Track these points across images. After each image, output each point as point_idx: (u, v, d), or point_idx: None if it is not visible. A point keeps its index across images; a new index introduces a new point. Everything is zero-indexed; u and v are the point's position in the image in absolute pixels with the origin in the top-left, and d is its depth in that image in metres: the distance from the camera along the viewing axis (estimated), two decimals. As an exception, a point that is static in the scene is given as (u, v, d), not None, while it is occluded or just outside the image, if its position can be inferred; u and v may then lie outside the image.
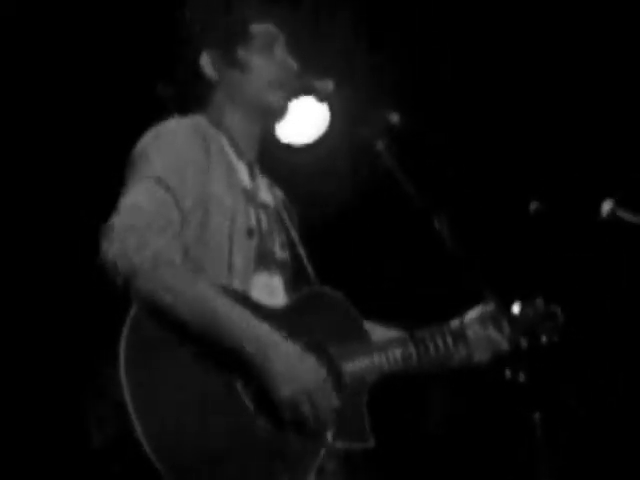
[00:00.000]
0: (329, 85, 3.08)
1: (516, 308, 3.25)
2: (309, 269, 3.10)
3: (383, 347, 2.98)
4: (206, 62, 3.00)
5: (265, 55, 3.02)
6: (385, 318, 3.15)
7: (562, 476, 3.18)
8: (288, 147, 5.14)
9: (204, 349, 2.60)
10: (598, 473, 5.27)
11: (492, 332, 3.18)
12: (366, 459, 2.94)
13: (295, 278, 3.06)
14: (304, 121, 5.05)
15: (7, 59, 4.63)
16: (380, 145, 3.06)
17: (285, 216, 3.13)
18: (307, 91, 3.13)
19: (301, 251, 3.12)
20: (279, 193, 3.21)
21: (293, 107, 4.66)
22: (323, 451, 2.72)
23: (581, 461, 5.17)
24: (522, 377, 3.10)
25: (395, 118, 3.05)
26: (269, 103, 3.01)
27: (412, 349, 3.03)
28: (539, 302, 3.29)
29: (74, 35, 4.65)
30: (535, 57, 5.07)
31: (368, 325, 3.07)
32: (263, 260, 2.92)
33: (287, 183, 4.25)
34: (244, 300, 2.73)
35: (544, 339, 3.24)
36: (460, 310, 3.21)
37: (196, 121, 2.95)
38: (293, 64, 3.04)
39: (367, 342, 2.98)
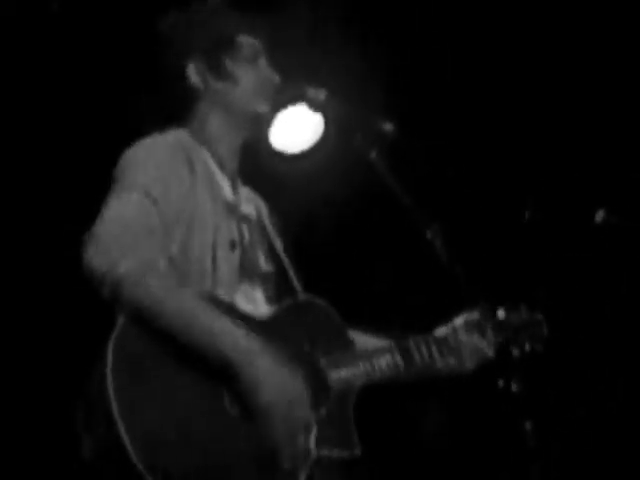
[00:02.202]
0: (321, 94, 3.10)
1: (500, 314, 3.26)
2: (294, 281, 3.10)
3: (369, 356, 2.97)
4: (192, 72, 3.02)
5: (251, 66, 3.04)
6: (373, 326, 3.15)
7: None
8: (282, 156, 5.15)
9: (190, 358, 2.60)
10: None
11: (477, 339, 3.19)
12: (358, 470, 2.93)
13: (279, 290, 3.06)
14: (298, 130, 5.06)
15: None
16: (373, 154, 3.07)
17: (268, 227, 3.14)
18: (300, 100, 3.15)
19: (286, 262, 3.12)
20: (261, 203, 3.21)
21: (286, 116, 4.67)
22: (310, 461, 2.70)
23: (573, 470, 5.18)
24: (515, 387, 3.11)
25: (389, 127, 3.06)
26: (256, 113, 3.04)
27: (398, 358, 3.03)
28: (523, 308, 3.31)
29: (58, 46, 4.65)
30: (529, 63, 5.08)
31: (353, 333, 3.07)
32: (246, 272, 2.93)
33: (279, 192, 4.26)
34: (230, 310, 2.74)
35: (527, 347, 3.24)
36: (447, 317, 3.22)
37: (178, 136, 2.97)
38: (276, 77, 3.06)
39: (353, 351, 2.97)
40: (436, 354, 3.12)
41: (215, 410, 2.62)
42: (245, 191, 3.14)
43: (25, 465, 4.94)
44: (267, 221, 3.16)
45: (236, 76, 3.01)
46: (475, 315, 3.20)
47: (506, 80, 5.11)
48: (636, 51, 4.99)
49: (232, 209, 2.98)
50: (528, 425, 3.11)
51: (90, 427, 2.56)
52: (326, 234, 5.38)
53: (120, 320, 2.60)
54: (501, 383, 3.13)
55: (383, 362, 2.99)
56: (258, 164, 4.85)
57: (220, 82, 3.02)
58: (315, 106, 3.15)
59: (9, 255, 4.93)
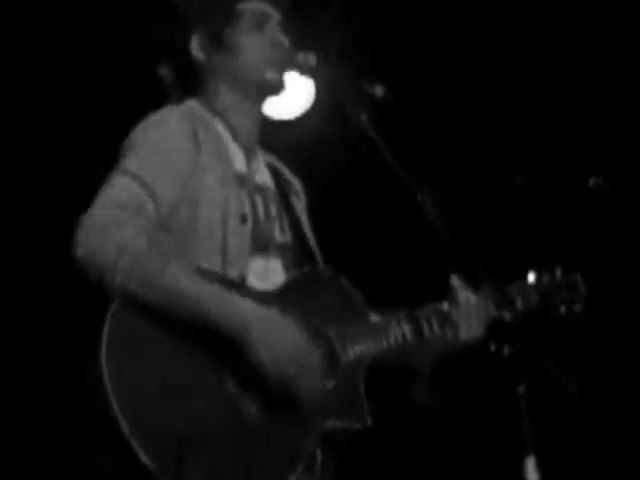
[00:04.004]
0: (312, 58, 3.08)
1: (531, 277, 3.21)
2: (315, 251, 3.09)
3: (380, 328, 2.95)
4: (195, 45, 3.01)
5: (255, 33, 3.01)
6: (368, 297, 3.13)
7: (547, 448, 3.19)
8: (273, 122, 5.13)
9: (186, 334, 2.61)
10: (584, 444, 5.29)
11: (480, 302, 3.09)
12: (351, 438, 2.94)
13: (299, 261, 3.04)
14: (289, 96, 5.03)
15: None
16: (364, 118, 3.06)
17: (291, 197, 3.13)
18: (291, 66, 3.13)
19: (307, 233, 3.11)
20: (288, 174, 3.20)
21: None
22: (313, 440, 2.72)
23: (566, 432, 5.20)
24: (507, 350, 3.11)
25: (379, 90, 3.04)
26: (265, 80, 3.02)
27: (407, 329, 2.98)
28: (557, 271, 3.25)
29: (69, 21, 4.64)
30: (521, 27, 5.06)
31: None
32: (259, 245, 2.92)
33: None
34: (230, 284, 2.73)
35: (563, 310, 3.21)
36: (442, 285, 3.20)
37: (189, 108, 2.97)
38: (285, 41, 3.03)
39: (365, 324, 2.95)
40: (437, 328, 3.03)
41: (212, 387, 2.62)
42: (263, 161, 3.12)
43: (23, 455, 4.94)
44: (293, 195, 3.15)
45: (238, 46, 2.99)
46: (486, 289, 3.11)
47: (498, 42, 5.09)
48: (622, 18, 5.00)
49: (243, 180, 2.96)
50: (521, 388, 3.12)
51: (89, 414, 2.58)
52: (319, 200, 5.36)
53: (113, 305, 2.61)
54: (493, 347, 3.13)
55: (392, 334, 2.95)
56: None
57: (222, 54, 3.01)
58: (306, 71, 3.14)
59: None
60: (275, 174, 3.13)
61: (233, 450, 2.60)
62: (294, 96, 5.07)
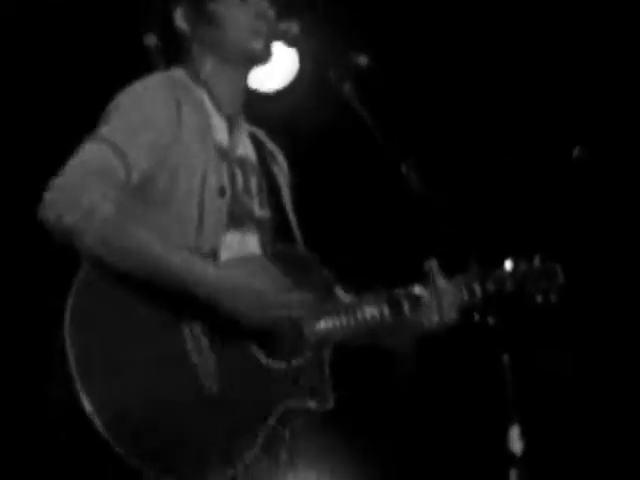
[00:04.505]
0: (294, 27, 3.06)
1: (508, 264, 3.18)
2: (294, 227, 3.09)
3: (352, 308, 2.95)
4: (179, 17, 3.00)
5: (238, 5, 2.99)
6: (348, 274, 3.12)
7: (531, 418, 3.20)
8: (256, 93, 5.10)
9: (153, 302, 2.63)
10: (568, 414, 5.32)
11: (454, 287, 3.08)
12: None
13: (277, 236, 3.05)
14: (272, 67, 5.00)
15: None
16: (347, 87, 3.05)
17: (273, 171, 3.12)
18: (274, 36, 3.11)
19: (287, 207, 3.10)
20: (271, 146, 3.19)
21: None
22: (275, 415, 2.73)
23: (551, 402, 5.22)
24: (491, 320, 3.12)
25: (363, 59, 3.03)
26: (251, 51, 3.01)
27: (385, 309, 2.98)
28: (535, 259, 3.22)
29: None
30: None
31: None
32: (236, 219, 2.92)
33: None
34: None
35: (539, 299, 3.19)
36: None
37: (174, 77, 2.96)
38: (270, 12, 3.01)
39: (336, 303, 2.95)
40: (419, 309, 3.03)
41: (177, 358, 2.63)
42: (249, 133, 3.11)
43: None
44: (275, 167, 3.14)
45: (222, 18, 2.98)
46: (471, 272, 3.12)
47: (485, 12, 5.08)
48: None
49: (224, 152, 2.95)
50: (505, 358, 3.12)
51: (50, 382, 2.59)
52: (302, 171, 5.36)
53: (79, 273, 2.62)
54: (477, 316, 3.14)
55: (368, 313, 2.96)
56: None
57: (207, 26, 3.00)
58: (289, 40, 3.12)
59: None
60: (258, 147, 3.12)
61: (193, 424, 2.61)
62: (277, 66, 5.04)
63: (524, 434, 3.08)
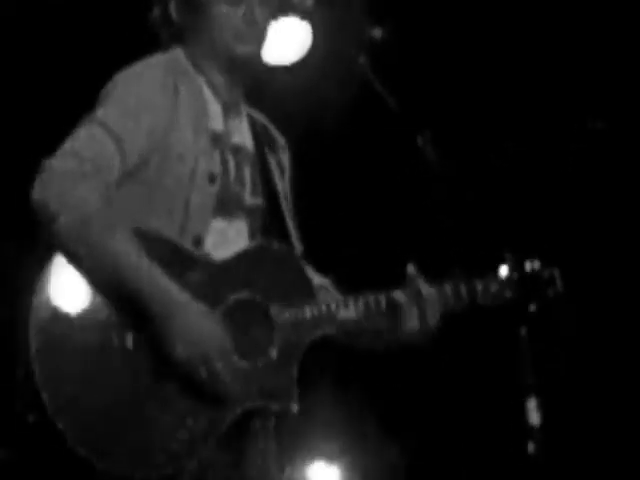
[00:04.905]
0: (307, 1, 3.05)
1: (503, 270, 3.09)
2: (287, 216, 3.06)
3: (327, 306, 2.91)
4: (173, 9, 2.98)
5: (229, 8, 2.94)
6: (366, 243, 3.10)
7: (548, 391, 3.20)
8: (271, 68, 5.09)
9: (112, 304, 2.65)
10: (584, 388, 5.32)
11: (435, 293, 2.98)
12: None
13: (268, 225, 3.03)
14: (286, 41, 4.99)
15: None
16: (362, 60, 3.03)
17: (271, 160, 3.10)
18: (287, 9, 3.10)
19: (283, 197, 3.08)
20: (270, 134, 3.17)
21: (275, 27, 4.60)
22: (229, 418, 2.72)
23: (567, 375, 5.22)
24: (508, 292, 3.10)
25: (377, 32, 3.02)
26: (236, 55, 2.96)
27: (360, 311, 2.93)
28: (533, 265, 3.11)
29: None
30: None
31: (323, 283, 3.07)
32: (225, 206, 2.92)
33: (271, 105, 4.20)
34: (174, 251, 2.76)
35: (533, 308, 3.09)
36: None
37: (174, 59, 2.95)
38: (261, 19, 2.95)
39: (311, 301, 2.91)
40: (398, 314, 2.95)
41: (127, 361, 2.65)
42: (250, 120, 3.09)
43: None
44: (274, 156, 3.12)
45: (210, 17, 2.94)
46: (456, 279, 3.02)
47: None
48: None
49: (218, 139, 2.94)
50: (522, 331, 3.12)
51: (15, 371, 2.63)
52: (321, 145, 5.35)
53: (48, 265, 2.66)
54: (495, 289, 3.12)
55: (343, 317, 2.91)
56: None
57: (197, 22, 2.96)
58: (303, 14, 3.11)
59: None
60: (258, 134, 3.10)
61: (143, 426, 2.64)
62: (291, 40, 5.02)
63: (541, 406, 3.08)
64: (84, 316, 2.64)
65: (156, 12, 3.02)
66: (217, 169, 2.90)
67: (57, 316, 2.61)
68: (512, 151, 5.14)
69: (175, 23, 2.99)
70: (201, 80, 2.97)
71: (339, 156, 5.39)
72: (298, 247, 3.08)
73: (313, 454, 5.60)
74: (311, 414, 5.46)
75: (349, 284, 3.04)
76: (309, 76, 5.06)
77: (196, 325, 2.66)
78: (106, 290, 2.64)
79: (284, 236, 3.01)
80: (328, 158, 5.41)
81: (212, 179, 2.87)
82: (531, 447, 3.03)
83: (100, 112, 2.77)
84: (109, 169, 2.71)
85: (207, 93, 2.96)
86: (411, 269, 2.97)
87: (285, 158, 3.19)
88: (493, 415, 5.26)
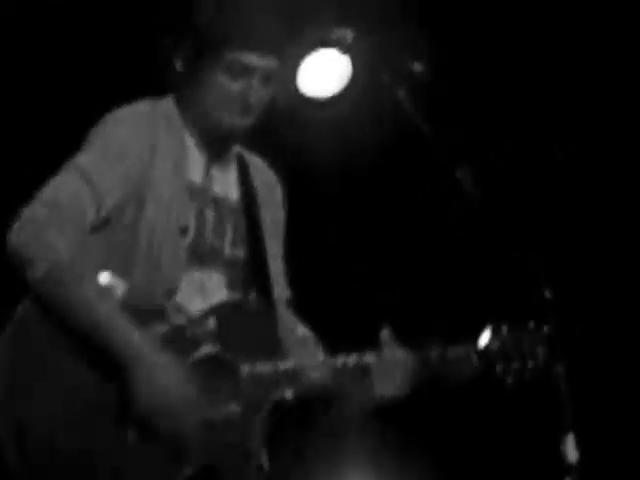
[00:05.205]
0: (348, 35, 3.07)
1: (484, 339, 3.02)
2: (272, 266, 3.08)
3: (296, 367, 2.92)
4: (178, 64, 3.00)
5: (226, 80, 2.95)
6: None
7: (585, 427, 3.17)
8: (311, 102, 5.11)
9: (82, 355, 2.72)
10: (622, 423, 5.27)
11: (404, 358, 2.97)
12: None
13: (252, 276, 3.06)
14: (326, 74, 5.00)
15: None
16: (402, 94, 3.04)
17: (260, 210, 3.11)
18: (327, 43, 3.11)
19: (271, 248, 3.10)
20: (268, 181, 3.19)
21: (314, 60, 4.61)
22: (185, 472, 2.75)
23: (605, 412, 5.17)
24: (546, 328, 3.08)
25: (418, 67, 3.03)
26: (222, 123, 2.99)
27: (327, 375, 2.93)
28: (512, 332, 3.05)
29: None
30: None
31: (305, 336, 3.10)
32: (200, 258, 2.96)
33: (310, 138, 4.23)
34: (144, 302, 2.82)
35: (509, 380, 3.03)
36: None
37: (160, 107, 3.00)
38: (254, 97, 2.96)
39: (282, 360, 2.92)
40: (366, 378, 2.94)
41: (102, 408, 2.71)
42: (241, 170, 3.12)
43: None
44: (263, 205, 3.13)
45: (211, 83, 2.96)
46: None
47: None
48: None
49: (195, 191, 2.98)
50: (560, 368, 3.09)
51: None
52: (358, 177, 5.36)
53: (19, 308, 2.75)
54: (532, 324, 3.11)
55: (312, 379, 2.92)
56: (288, 112, 4.86)
57: (196, 82, 2.99)
58: (343, 48, 3.13)
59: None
60: (247, 184, 3.12)
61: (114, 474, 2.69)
62: (330, 73, 5.04)
63: (579, 444, 3.05)
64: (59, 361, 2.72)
65: (163, 55, 3.05)
66: (190, 221, 2.94)
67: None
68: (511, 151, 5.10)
69: (177, 73, 3.01)
70: (185, 132, 3.00)
71: (375, 191, 5.40)
72: (284, 295, 3.13)
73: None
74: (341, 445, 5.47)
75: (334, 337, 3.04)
76: (347, 109, 5.09)
77: (160, 375, 2.71)
78: (78, 336, 2.71)
79: (265, 288, 3.03)
80: (366, 194, 5.42)
81: (184, 231, 2.92)
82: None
83: (79, 158, 2.85)
84: (83, 217, 2.79)
85: (190, 145, 3.00)
86: (385, 333, 2.95)
87: (276, 201, 3.21)
88: (530, 452, 5.21)
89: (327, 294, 5.27)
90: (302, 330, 3.15)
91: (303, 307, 3.20)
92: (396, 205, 5.46)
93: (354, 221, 5.33)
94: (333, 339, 3.06)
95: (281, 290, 3.12)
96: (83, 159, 2.84)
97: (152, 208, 2.87)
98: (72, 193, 2.77)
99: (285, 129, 4.83)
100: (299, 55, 4.36)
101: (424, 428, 5.42)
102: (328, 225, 5.40)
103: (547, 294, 3.11)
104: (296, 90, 4.98)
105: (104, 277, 2.81)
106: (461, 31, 5.01)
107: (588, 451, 3.09)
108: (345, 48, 3.11)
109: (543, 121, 5.16)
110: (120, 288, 2.80)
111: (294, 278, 3.18)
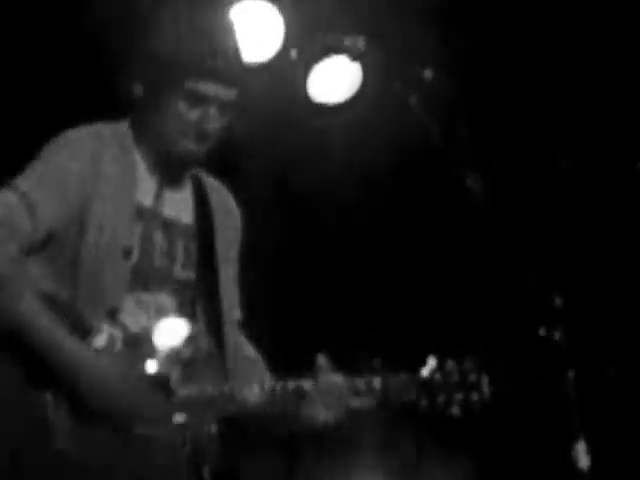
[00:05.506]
0: (360, 43, 3.07)
1: (426, 370, 3.00)
2: (222, 289, 3.13)
3: (232, 386, 2.96)
4: (137, 89, 3.03)
5: (184, 108, 2.98)
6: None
7: (595, 435, 3.17)
8: (321, 108, 5.12)
9: (23, 363, 2.78)
10: (632, 429, 5.26)
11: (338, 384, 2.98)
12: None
13: (203, 298, 3.10)
14: (336, 81, 5.01)
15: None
16: (413, 101, 3.05)
17: (215, 232, 3.15)
18: (338, 50, 3.12)
19: (220, 270, 3.14)
20: (225, 203, 3.23)
21: (325, 67, 4.61)
22: None
23: (615, 420, 5.16)
24: (557, 335, 3.09)
25: (428, 74, 3.03)
26: (175, 149, 3.02)
27: (263, 394, 2.96)
28: (455, 367, 3.01)
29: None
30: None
31: (252, 358, 3.16)
32: (145, 279, 3.00)
33: (320, 144, 4.22)
34: (80, 319, 2.86)
35: (455, 411, 3.00)
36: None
37: (111, 130, 3.04)
38: (209, 125, 2.99)
39: (218, 380, 2.97)
40: (302, 403, 2.96)
41: (37, 420, 2.77)
42: (197, 193, 3.16)
43: None
44: (218, 227, 3.17)
45: (168, 110, 2.99)
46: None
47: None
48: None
49: (143, 214, 3.02)
50: (570, 374, 3.09)
51: None
52: (369, 185, 5.36)
53: None
54: (543, 331, 3.11)
55: (246, 401, 2.95)
56: (298, 118, 4.87)
57: (154, 108, 3.01)
58: (354, 55, 3.13)
59: None
60: (203, 207, 3.16)
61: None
62: (341, 80, 5.05)
63: (590, 450, 3.05)
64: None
65: (123, 80, 3.08)
66: (134, 243, 2.97)
67: None
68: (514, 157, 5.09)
69: (134, 98, 3.04)
70: (137, 155, 3.04)
71: (387, 198, 5.40)
72: (235, 316, 3.18)
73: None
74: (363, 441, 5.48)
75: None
76: (358, 116, 5.10)
77: (106, 374, 2.81)
78: (20, 351, 2.77)
79: (215, 310, 3.09)
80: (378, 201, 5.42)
81: (127, 252, 2.96)
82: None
83: (20, 179, 2.89)
84: (20, 235, 2.82)
85: (141, 168, 3.04)
86: (321, 359, 2.98)
87: (233, 224, 3.25)
88: (541, 459, 5.20)
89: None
90: (250, 351, 3.22)
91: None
92: (405, 210, 5.46)
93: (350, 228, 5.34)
94: (287, 361, 3.10)
95: (231, 311, 3.18)
96: (22, 181, 2.89)
97: (94, 229, 2.91)
98: (9, 212, 2.82)
99: (295, 135, 4.84)
100: (310, 61, 4.37)
101: (436, 433, 5.42)
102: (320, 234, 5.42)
103: (557, 301, 3.13)
104: (306, 96, 4.99)
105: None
106: (466, 38, 5.02)
107: (599, 457, 3.09)
108: (356, 55, 3.10)
109: (546, 128, 5.15)
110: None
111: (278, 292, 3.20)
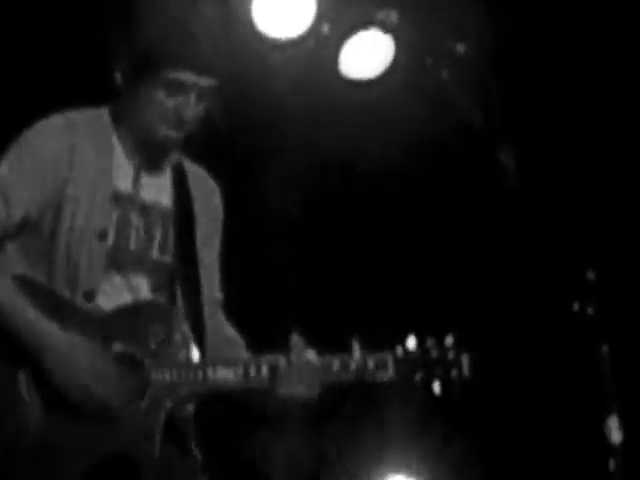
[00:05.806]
0: (393, 16, 3.07)
1: (410, 342, 3.02)
2: (200, 271, 3.16)
3: (204, 366, 3.00)
4: (118, 76, 3.08)
5: (162, 96, 3.02)
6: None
7: (630, 409, 3.17)
8: (352, 83, 5.11)
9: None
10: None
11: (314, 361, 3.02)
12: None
13: (179, 280, 3.14)
14: (368, 55, 4.99)
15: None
16: (445, 75, 3.04)
17: (195, 216, 3.19)
18: (370, 24, 3.11)
19: (200, 253, 3.17)
20: (205, 188, 3.27)
21: (356, 41, 4.60)
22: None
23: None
24: (590, 310, 3.08)
25: (461, 47, 3.03)
26: (154, 135, 3.06)
27: (239, 373, 3.00)
28: (436, 342, 3.04)
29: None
30: None
31: (232, 339, 3.20)
32: (120, 262, 3.06)
33: (353, 120, 4.21)
34: (56, 301, 2.94)
35: (437, 389, 3.01)
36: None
37: (87, 117, 3.10)
38: (188, 112, 3.03)
39: (187, 359, 3.02)
40: (275, 380, 3.00)
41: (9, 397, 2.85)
42: (177, 177, 3.19)
43: None
44: (199, 211, 3.20)
45: (148, 98, 3.03)
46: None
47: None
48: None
49: (121, 198, 3.07)
50: (604, 349, 3.09)
51: None
52: (399, 162, 5.35)
53: None
54: (576, 306, 3.11)
55: (219, 374, 2.99)
56: (328, 94, 4.86)
57: (134, 95, 3.06)
58: (386, 28, 3.13)
59: None
60: (182, 191, 3.20)
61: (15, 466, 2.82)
62: (373, 54, 5.03)
63: (623, 424, 3.05)
64: None
65: (104, 68, 3.12)
66: (111, 226, 3.03)
67: None
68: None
69: (115, 86, 3.09)
70: (115, 141, 3.10)
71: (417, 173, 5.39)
72: (215, 297, 3.24)
73: (392, 467, 5.59)
74: (390, 427, 5.49)
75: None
76: (390, 91, 5.09)
77: (70, 356, 2.86)
78: None
79: (193, 292, 3.13)
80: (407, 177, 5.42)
81: (102, 236, 3.01)
82: (612, 465, 3.01)
83: None
84: None
85: (119, 153, 3.10)
86: (295, 337, 3.01)
87: (213, 209, 3.29)
88: (574, 433, 5.20)
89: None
90: (230, 331, 3.26)
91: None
92: (436, 185, 5.46)
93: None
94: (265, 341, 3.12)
95: (212, 293, 3.22)
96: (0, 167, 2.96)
97: (70, 214, 2.97)
98: None
99: (325, 112, 4.84)
100: (342, 36, 4.35)
101: (471, 407, 5.43)
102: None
103: (590, 275, 3.12)
104: (338, 72, 4.98)
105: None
106: (499, 11, 4.99)
107: (632, 432, 3.09)
108: (388, 28, 3.09)
109: (581, 105, 5.13)
110: None
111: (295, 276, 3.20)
